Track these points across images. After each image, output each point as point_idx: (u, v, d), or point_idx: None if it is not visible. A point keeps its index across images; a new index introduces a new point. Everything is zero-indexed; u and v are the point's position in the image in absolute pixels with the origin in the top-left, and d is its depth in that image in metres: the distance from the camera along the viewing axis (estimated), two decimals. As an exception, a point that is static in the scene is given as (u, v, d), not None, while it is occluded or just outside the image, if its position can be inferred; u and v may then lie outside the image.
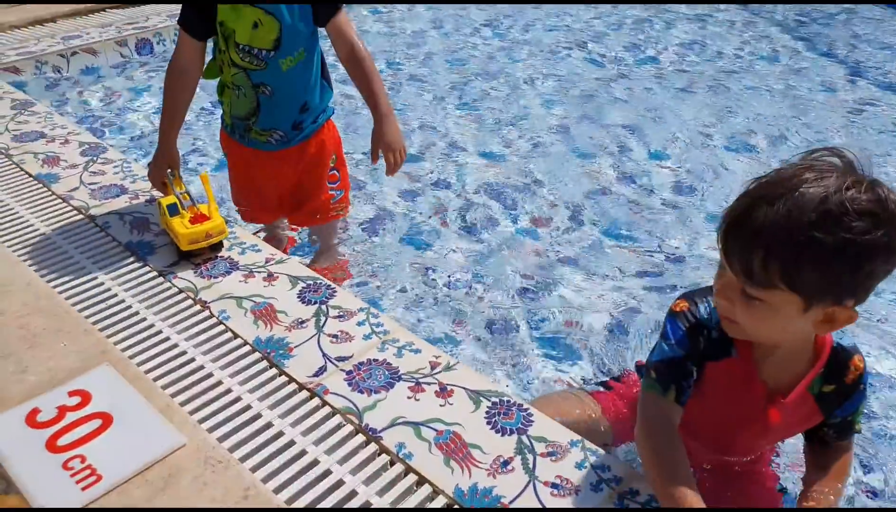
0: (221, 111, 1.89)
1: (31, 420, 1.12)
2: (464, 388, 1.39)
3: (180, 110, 1.79)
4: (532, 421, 1.32)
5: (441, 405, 1.35)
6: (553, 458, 1.24)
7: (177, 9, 1.73)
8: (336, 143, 1.98)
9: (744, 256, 0.95)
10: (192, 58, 1.73)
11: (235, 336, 1.50)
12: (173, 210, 1.72)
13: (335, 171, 2.00)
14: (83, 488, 1.01)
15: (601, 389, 1.52)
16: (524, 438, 1.28)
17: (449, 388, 1.39)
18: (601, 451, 1.27)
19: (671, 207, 2.61)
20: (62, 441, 1.08)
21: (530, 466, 1.23)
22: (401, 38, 4.32)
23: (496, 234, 2.43)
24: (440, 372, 1.43)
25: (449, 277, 2.17)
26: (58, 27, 3.77)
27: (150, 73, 3.57)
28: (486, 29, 4.53)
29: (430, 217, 2.51)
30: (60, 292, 1.54)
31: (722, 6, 5.07)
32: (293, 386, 1.39)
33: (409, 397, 1.37)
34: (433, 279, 2.16)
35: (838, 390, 1.15)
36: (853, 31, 4.66)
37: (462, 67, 3.91)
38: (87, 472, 1.03)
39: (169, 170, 1.81)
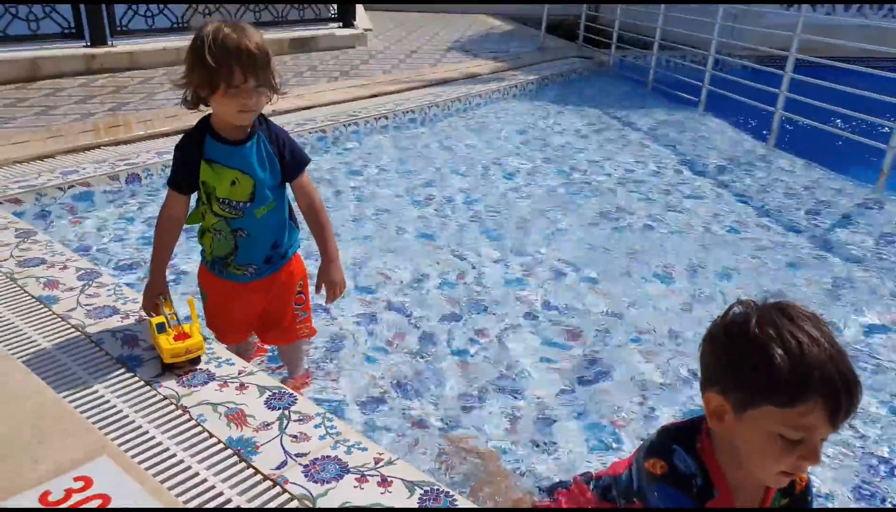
0: (202, 250, 2.24)
1: (44, 500, 1.38)
2: (401, 479, 1.68)
3: (168, 250, 2.14)
4: (456, 505, 1.61)
5: (381, 493, 1.64)
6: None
7: (162, 146, 2.14)
8: (302, 272, 2.34)
9: (856, 403, 1.11)
10: (180, 209, 2.10)
11: (211, 436, 1.79)
12: (161, 328, 2.04)
13: (301, 295, 2.35)
14: (88, 551, 1.27)
15: (548, 499, 1.73)
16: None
17: (389, 479, 1.68)
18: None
19: (599, 326, 3.00)
20: (70, 516, 1.35)
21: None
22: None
23: (440, 350, 2.77)
24: (382, 466, 1.72)
25: (399, 384, 2.49)
26: (57, 162, 4.19)
27: (138, 204, 3.97)
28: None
29: (383, 336, 2.86)
30: (64, 398, 1.82)
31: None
32: (258, 477, 1.66)
33: (355, 487, 1.65)
34: (384, 387, 2.48)
35: (792, 502, 1.32)
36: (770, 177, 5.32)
37: (421, 208, 4.39)
38: (91, 539, 1.30)
39: (160, 295, 2.14)
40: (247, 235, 2.12)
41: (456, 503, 1.61)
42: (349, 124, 5.62)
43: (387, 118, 5.98)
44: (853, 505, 2.02)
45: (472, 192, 4.63)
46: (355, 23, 10.21)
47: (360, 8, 12.10)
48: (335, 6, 10.09)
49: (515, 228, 4.06)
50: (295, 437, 1.80)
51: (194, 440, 1.76)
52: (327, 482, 1.65)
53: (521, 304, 3.19)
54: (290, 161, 2.12)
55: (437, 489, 1.65)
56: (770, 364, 1.09)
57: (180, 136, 2.10)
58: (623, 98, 8.01)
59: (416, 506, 1.60)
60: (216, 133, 2.02)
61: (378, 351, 2.75)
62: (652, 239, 4.03)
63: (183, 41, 7.73)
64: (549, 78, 8.49)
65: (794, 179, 5.35)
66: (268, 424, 1.84)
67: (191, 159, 2.03)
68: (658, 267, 3.64)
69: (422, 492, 1.64)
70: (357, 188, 4.59)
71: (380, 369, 2.62)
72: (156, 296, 2.12)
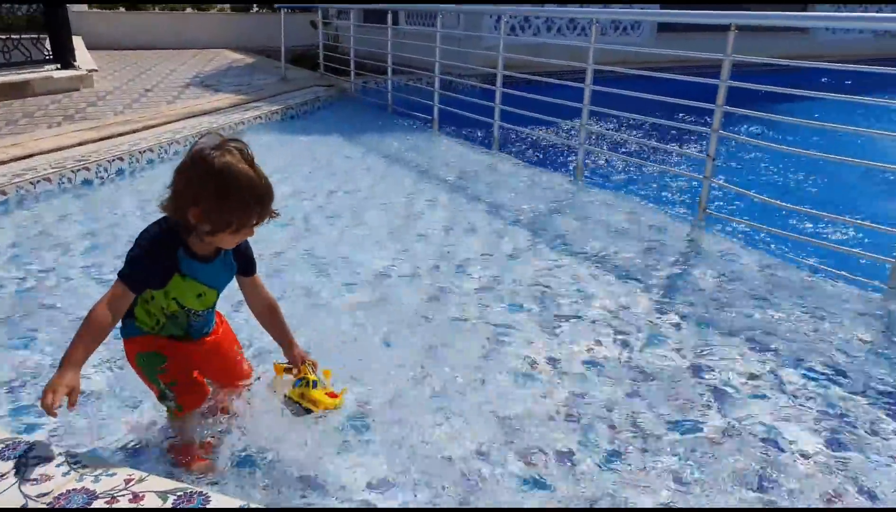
0: (135, 324, 2.09)
1: None
2: (154, 491, 1.75)
3: (96, 347, 1.90)
4: (209, 500, 1.72)
5: (134, 507, 1.69)
6: None
7: None
8: None
9: None
10: (126, 305, 1.96)
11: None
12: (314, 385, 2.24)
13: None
14: None
15: None
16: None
17: (140, 494, 1.74)
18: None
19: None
20: None
21: None
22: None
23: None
24: (133, 485, 1.77)
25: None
26: None
27: None
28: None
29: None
30: None
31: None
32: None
33: (105, 509, 1.68)
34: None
35: None
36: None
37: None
38: None
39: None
40: (199, 318, 2.15)
41: (210, 499, 1.73)
42: (78, 170, 5.30)
43: (122, 160, 5.73)
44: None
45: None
46: (76, 63, 9.52)
47: (82, 48, 11.29)
48: (49, 47, 9.32)
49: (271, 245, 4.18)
50: (35, 480, 1.78)
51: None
52: (74, 512, 1.67)
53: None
54: (247, 259, 2.20)
55: (190, 492, 1.75)
56: None
57: None
58: (365, 123, 8.47)
59: (171, 508, 1.68)
60: (190, 249, 2.00)
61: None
62: (396, 236, 4.40)
63: None
64: (293, 107, 8.69)
65: (516, 180, 6.12)
66: (1, 476, 1.79)
67: (165, 270, 1.98)
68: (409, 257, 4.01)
69: (175, 498, 1.73)
70: (92, 234, 4.36)
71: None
72: (64, 391, 1.80)
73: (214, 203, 1.86)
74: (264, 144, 7.13)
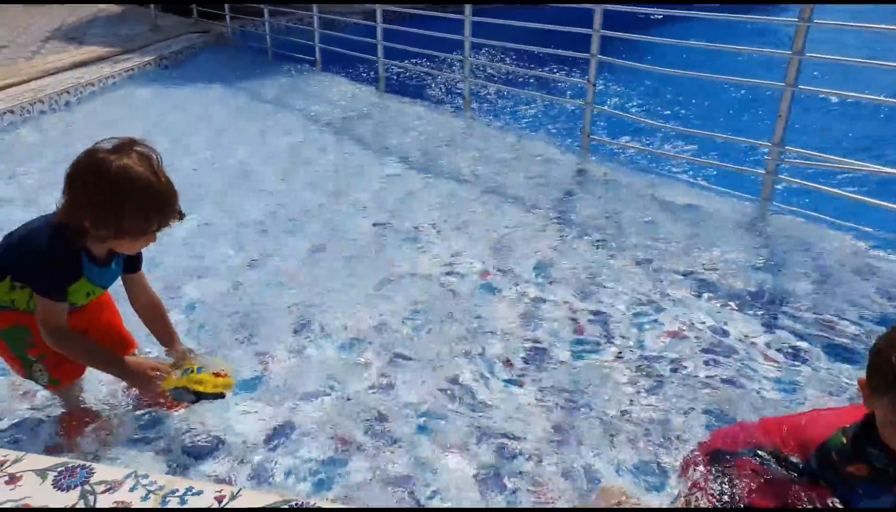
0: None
1: None
2: (32, 470, 1.69)
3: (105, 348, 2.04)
4: (93, 472, 1.68)
5: (11, 490, 1.63)
6: (111, 491, 1.63)
7: None
8: None
9: None
10: (64, 316, 1.91)
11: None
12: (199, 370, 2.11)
13: None
14: None
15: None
16: (86, 486, 1.64)
17: (18, 475, 1.67)
18: (149, 474, 1.69)
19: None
20: None
21: (91, 502, 1.59)
22: None
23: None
24: (9, 466, 1.70)
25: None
26: None
27: None
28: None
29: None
30: None
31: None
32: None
33: None
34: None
35: None
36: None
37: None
38: None
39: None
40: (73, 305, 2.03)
41: (93, 471, 1.69)
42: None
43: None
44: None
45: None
46: (-88, 21, 8.54)
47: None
48: None
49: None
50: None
51: None
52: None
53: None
54: (134, 256, 2.08)
55: (72, 466, 1.71)
56: None
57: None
58: (245, 68, 8.09)
59: (52, 485, 1.64)
60: (90, 253, 1.91)
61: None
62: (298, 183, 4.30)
63: None
64: (167, 57, 8.19)
65: (404, 118, 6.05)
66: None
67: (74, 275, 1.91)
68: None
69: (55, 474, 1.68)
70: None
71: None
72: (152, 374, 2.03)
73: (111, 210, 1.76)
74: (138, 98, 6.73)
